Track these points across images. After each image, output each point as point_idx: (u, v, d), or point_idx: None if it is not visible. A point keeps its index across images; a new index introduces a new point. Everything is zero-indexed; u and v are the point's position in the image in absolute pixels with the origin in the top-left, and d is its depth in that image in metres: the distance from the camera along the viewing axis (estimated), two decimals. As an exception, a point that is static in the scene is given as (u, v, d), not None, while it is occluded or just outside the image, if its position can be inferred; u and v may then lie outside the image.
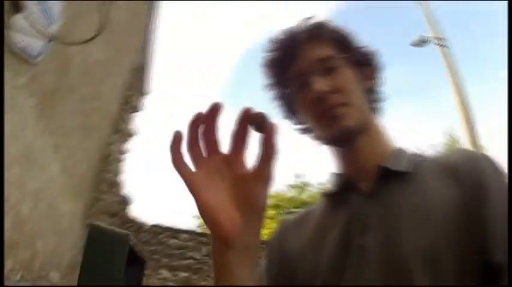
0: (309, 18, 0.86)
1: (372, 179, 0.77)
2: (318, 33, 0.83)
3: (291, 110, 0.89)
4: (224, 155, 0.55)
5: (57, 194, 3.87)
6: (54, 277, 3.68)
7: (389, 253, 0.67)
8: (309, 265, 0.76)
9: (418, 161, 0.79)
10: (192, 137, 0.53)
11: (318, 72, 0.79)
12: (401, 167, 0.76)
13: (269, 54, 0.86)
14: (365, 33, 0.89)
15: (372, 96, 0.87)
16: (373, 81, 0.88)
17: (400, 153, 0.82)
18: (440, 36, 7.36)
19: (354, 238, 0.72)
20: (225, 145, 0.56)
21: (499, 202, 0.65)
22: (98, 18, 3.55)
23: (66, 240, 4.07)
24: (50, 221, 3.70)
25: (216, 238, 0.54)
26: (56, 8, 3.30)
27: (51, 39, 2.96)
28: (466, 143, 6.71)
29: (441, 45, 7.26)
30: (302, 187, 19.28)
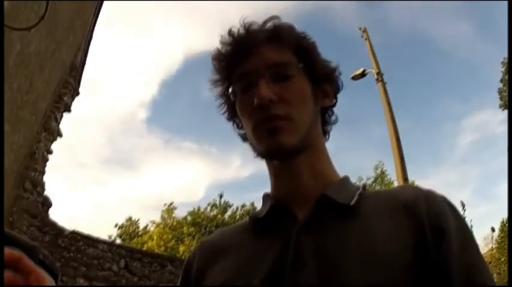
0: (273, 17, 0.77)
1: (310, 208, 0.68)
2: (279, 35, 0.74)
3: (233, 112, 0.80)
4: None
5: (-20, 185, 3.64)
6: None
7: None
8: None
9: (363, 194, 0.72)
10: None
11: (269, 77, 0.71)
12: (345, 199, 0.69)
13: (222, 46, 0.77)
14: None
15: (325, 116, 0.80)
16: (331, 100, 0.79)
17: (344, 183, 0.76)
18: (379, 71, 7.85)
19: (287, 274, 0.62)
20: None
21: (460, 250, 0.62)
22: (41, 6, 3.50)
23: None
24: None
25: None
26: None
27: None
28: (395, 177, 7.00)
29: (379, 80, 7.77)
30: (224, 207, 19.45)
